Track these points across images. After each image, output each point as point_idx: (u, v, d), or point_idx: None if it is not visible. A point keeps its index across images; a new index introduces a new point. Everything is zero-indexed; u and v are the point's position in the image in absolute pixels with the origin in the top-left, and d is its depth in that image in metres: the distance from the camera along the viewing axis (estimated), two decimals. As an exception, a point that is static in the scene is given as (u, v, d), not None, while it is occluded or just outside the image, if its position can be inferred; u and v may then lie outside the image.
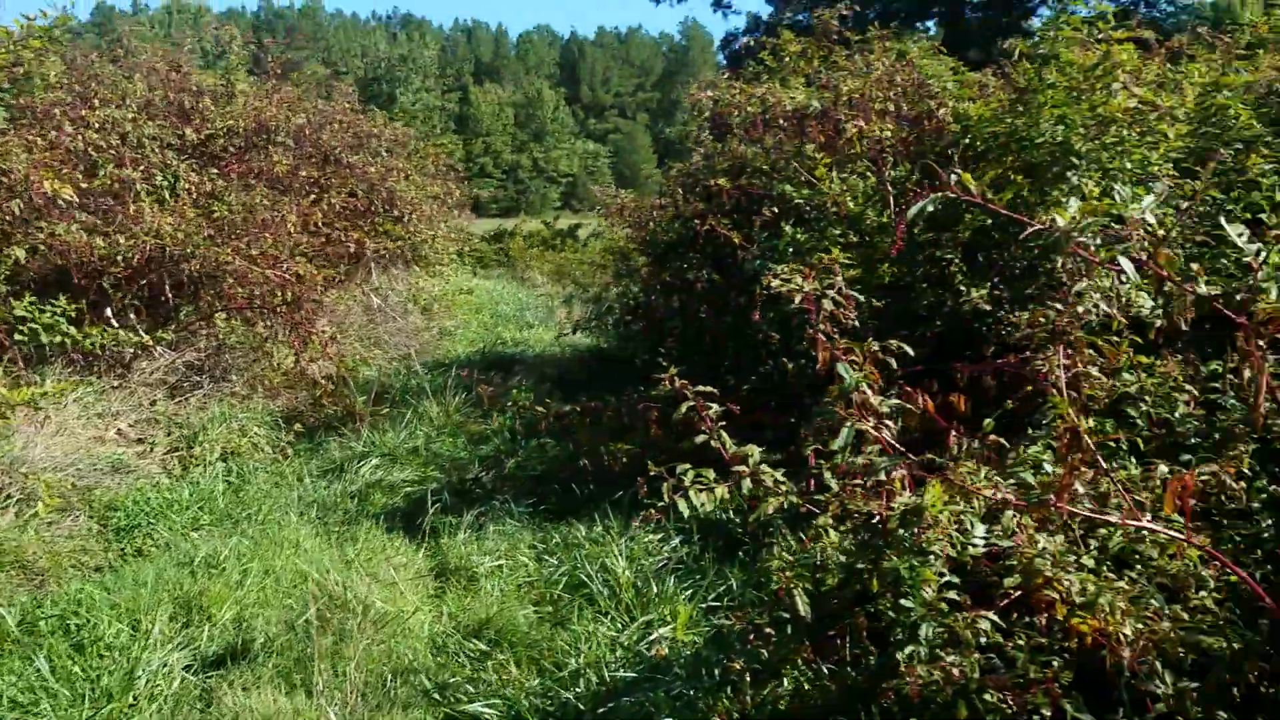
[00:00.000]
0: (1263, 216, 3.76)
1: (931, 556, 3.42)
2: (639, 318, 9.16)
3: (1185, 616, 3.44)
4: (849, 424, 2.84)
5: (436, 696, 4.26)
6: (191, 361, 8.62)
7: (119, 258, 7.50)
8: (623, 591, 4.91)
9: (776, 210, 7.06)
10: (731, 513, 5.52)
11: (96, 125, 8.12)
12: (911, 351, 3.68)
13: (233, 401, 8.40)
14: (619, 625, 4.69)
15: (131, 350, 8.19)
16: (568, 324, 10.88)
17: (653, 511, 3.57)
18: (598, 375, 10.18)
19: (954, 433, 4.12)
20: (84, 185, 7.10)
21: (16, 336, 6.65)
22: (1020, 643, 3.48)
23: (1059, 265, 3.07)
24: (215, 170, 9.38)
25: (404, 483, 6.88)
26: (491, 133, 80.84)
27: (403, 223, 12.20)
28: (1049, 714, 3.25)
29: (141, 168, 8.31)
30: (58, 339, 6.90)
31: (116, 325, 7.91)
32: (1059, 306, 2.90)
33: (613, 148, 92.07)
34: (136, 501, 6.39)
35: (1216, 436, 4.13)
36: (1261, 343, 2.12)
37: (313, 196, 10.35)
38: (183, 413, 8.08)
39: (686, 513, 3.46)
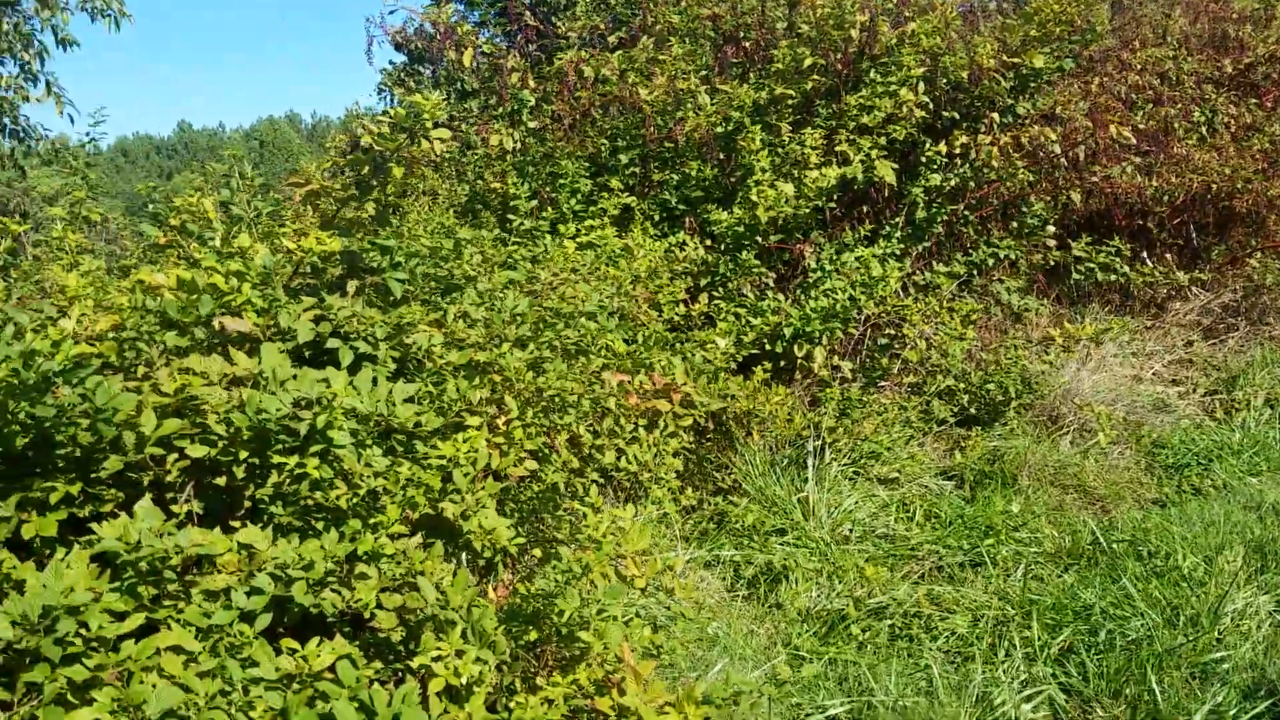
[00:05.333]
0: None
1: None
2: None
3: None
4: None
5: None
6: (1226, 304, 8.24)
7: (1164, 197, 7.48)
8: None
9: None
10: None
11: (1138, 67, 8.21)
12: None
13: (1272, 345, 7.81)
14: None
15: (1165, 291, 8.17)
16: None
17: None
18: None
19: None
20: (1140, 127, 7.22)
21: (1074, 276, 7.10)
22: None
23: None
24: (1254, 100, 8.73)
25: None
26: None
27: None
28: None
29: (1179, 105, 8.16)
30: (1111, 278, 7.19)
31: (1152, 265, 7.94)
32: None
33: None
34: (1182, 441, 6.37)
35: None
36: None
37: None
38: (1218, 356, 7.79)
39: None
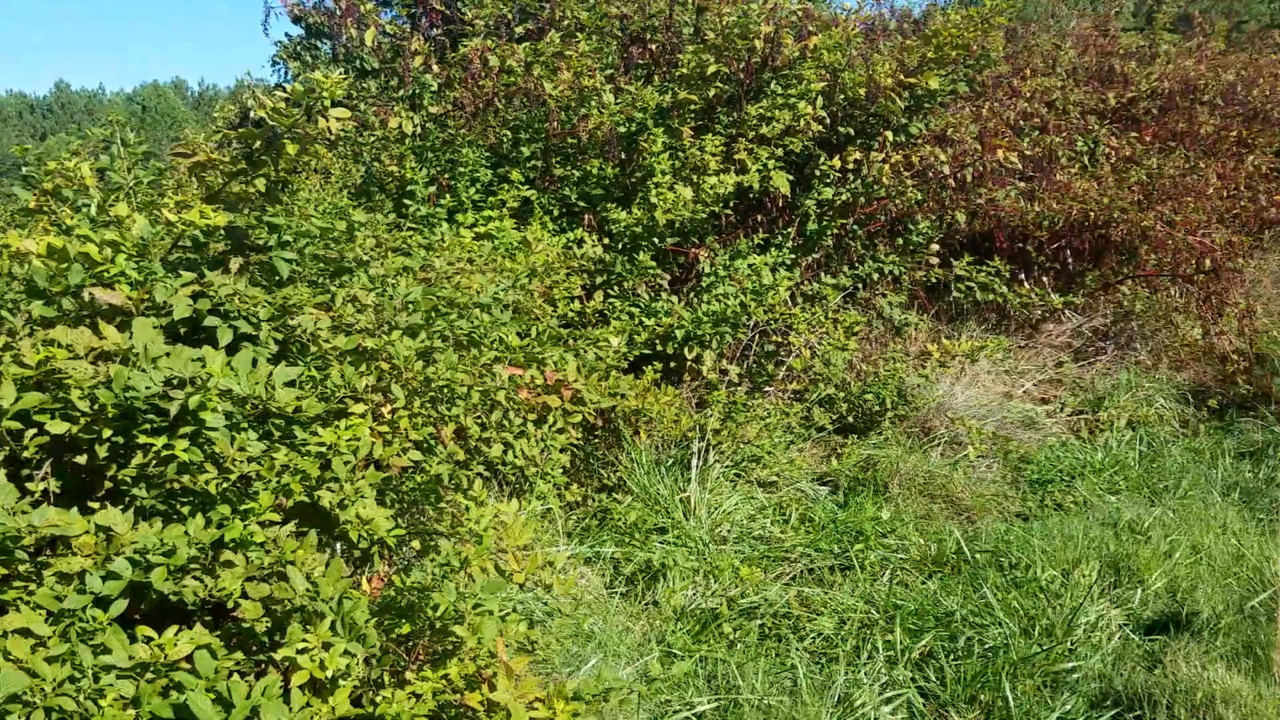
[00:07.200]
0: None
1: None
2: None
3: None
4: None
5: None
6: (1097, 327, 8.63)
7: (1044, 222, 7.80)
8: None
9: None
10: None
11: (1027, 94, 8.54)
12: None
13: (1137, 370, 8.21)
14: None
15: (1040, 313, 8.51)
16: None
17: None
18: None
19: None
20: (1027, 153, 7.50)
21: (954, 293, 7.34)
22: None
23: None
24: (1134, 134, 9.17)
25: (1348, 479, 6.02)
26: None
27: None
28: None
29: (1064, 134, 8.52)
30: (990, 297, 7.45)
31: (1029, 287, 8.27)
32: None
33: None
34: (1048, 457, 6.64)
35: None
36: None
37: (1235, 158, 9.52)
38: (1086, 377, 8.14)
39: None
